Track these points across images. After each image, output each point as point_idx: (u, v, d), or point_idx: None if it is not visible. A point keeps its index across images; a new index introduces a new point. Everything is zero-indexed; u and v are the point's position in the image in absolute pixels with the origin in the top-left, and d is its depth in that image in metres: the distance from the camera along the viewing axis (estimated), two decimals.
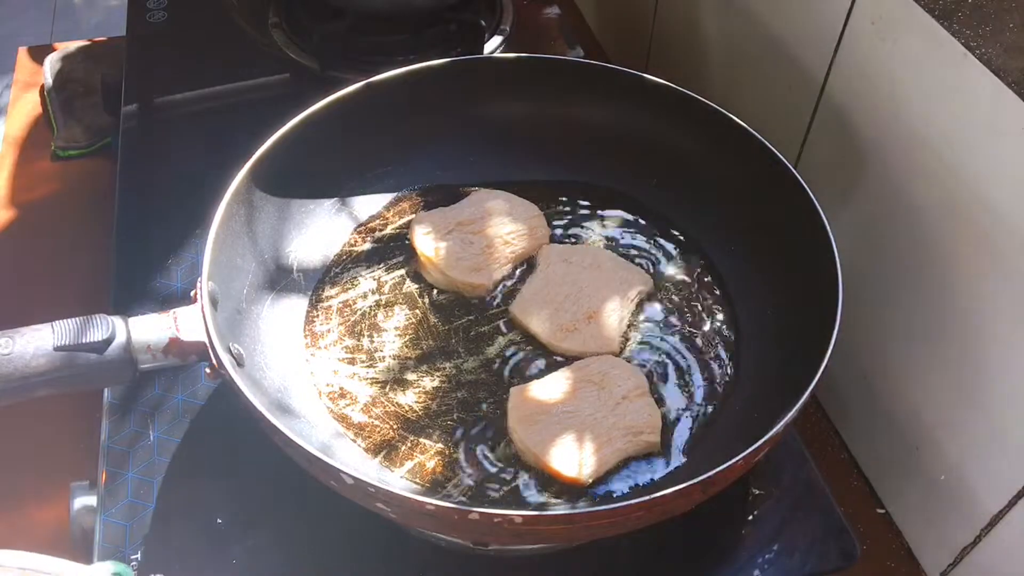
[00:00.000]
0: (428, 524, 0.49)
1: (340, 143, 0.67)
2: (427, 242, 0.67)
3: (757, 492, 0.60)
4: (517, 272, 0.68)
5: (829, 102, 0.67)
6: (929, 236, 0.59)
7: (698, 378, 0.61)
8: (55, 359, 0.51)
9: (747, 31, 0.77)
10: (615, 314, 0.63)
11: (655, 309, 0.65)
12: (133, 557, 0.55)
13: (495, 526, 0.46)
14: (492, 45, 0.90)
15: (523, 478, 0.56)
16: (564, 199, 0.72)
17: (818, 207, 0.58)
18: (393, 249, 0.69)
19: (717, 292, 0.66)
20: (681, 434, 0.58)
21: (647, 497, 0.46)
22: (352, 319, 0.64)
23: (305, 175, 0.67)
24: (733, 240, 0.67)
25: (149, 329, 0.54)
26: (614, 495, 0.55)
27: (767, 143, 0.63)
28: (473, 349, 0.63)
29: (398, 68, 0.69)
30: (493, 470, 0.56)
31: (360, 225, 0.70)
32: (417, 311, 0.65)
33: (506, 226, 0.68)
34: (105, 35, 1.12)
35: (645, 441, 0.57)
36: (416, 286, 0.67)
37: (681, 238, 0.70)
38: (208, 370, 0.54)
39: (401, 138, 0.71)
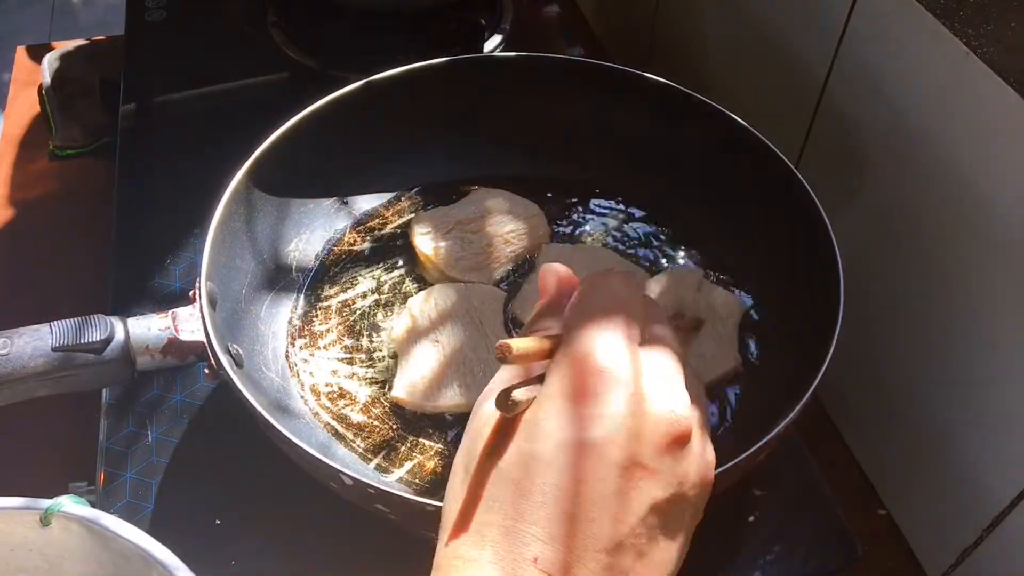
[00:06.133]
0: (428, 524, 0.49)
1: (340, 143, 0.67)
2: (426, 241, 0.66)
3: (758, 493, 0.60)
4: (517, 271, 0.67)
5: (830, 102, 0.67)
6: (931, 236, 0.59)
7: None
8: (53, 359, 0.51)
9: (748, 30, 0.77)
10: None
11: None
12: None
13: None
14: (492, 44, 0.89)
15: None
16: (564, 198, 0.72)
17: (819, 207, 0.58)
18: (392, 248, 0.69)
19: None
20: None
21: None
22: (351, 319, 0.64)
23: (304, 175, 0.67)
24: (733, 240, 0.67)
25: (148, 329, 0.54)
26: None
27: (768, 143, 0.63)
28: None
29: (398, 68, 0.68)
30: None
31: (359, 224, 0.70)
32: None
33: (506, 225, 0.68)
34: (104, 34, 1.12)
35: None
36: (416, 286, 0.66)
37: (681, 238, 0.69)
38: (207, 371, 0.53)
39: (401, 137, 0.71)
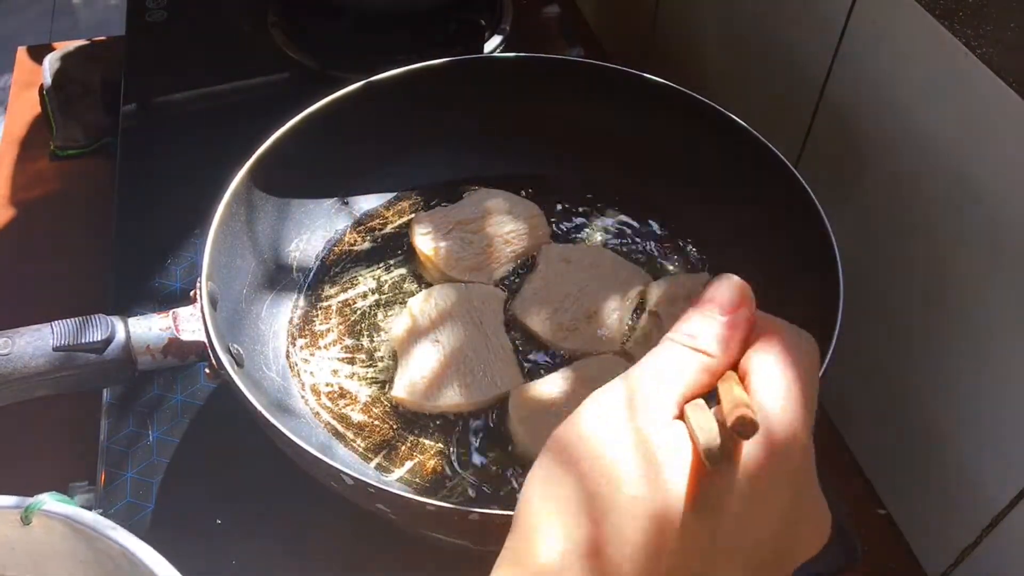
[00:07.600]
0: (428, 524, 0.49)
1: (340, 143, 0.67)
2: (427, 241, 0.66)
3: None
4: (517, 272, 0.67)
5: (829, 102, 0.67)
6: (930, 236, 0.59)
7: None
8: (54, 359, 0.51)
9: (748, 31, 0.77)
10: (615, 313, 0.63)
11: None
12: None
13: (495, 527, 0.46)
14: (492, 44, 0.89)
15: (524, 478, 0.56)
16: (564, 198, 0.72)
17: (819, 207, 0.58)
18: (393, 248, 0.69)
19: None
20: None
21: None
22: (352, 319, 0.64)
23: (305, 175, 0.67)
24: (733, 240, 0.67)
25: (148, 329, 0.54)
26: None
27: (768, 143, 0.63)
28: None
29: (398, 68, 0.68)
30: (494, 470, 0.56)
31: (360, 224, 0.70)
32: None
33: (506, 225, 0.68)
34: (104, 34, 1.12)
35: None
36: (416, 286, 0.66)
37: (680, 237, 0.69)
38: (208, 370, 0.54)
39: (401, 137, 0.71)
